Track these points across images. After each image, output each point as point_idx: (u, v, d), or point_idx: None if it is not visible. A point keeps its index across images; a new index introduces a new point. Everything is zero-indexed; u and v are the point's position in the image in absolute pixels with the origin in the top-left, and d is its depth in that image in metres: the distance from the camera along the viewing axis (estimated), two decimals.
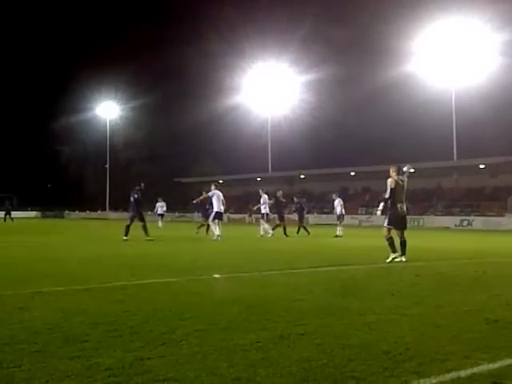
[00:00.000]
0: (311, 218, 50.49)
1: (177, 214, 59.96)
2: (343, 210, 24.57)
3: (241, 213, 52.98)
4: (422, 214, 44.40)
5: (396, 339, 4.61)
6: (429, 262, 10.90)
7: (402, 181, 11.38)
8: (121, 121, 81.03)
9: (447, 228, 39.32)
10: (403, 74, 52.32)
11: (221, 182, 67.37)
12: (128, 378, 3.52)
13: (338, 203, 24.41)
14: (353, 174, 57.62)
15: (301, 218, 25.28)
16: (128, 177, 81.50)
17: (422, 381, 3.49)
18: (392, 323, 5.29)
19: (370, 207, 52.76)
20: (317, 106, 63.20)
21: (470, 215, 43.06)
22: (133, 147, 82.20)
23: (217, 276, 8.97)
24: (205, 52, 72.21)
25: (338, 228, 23.85)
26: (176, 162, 76.19)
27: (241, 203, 56.77)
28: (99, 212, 73.90)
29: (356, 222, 47.56)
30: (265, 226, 23.35)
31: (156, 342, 4.47)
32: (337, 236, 23.16)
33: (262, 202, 24.04)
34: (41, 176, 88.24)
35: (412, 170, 12.21)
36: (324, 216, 49.20)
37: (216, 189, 20.65)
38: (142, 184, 19.86)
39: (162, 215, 34.34)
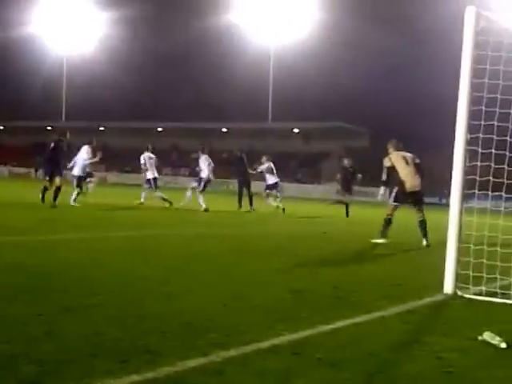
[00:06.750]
0: (110, 177, 49.44)
1: None
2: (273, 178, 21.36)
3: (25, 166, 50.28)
4: (228, 178, 45.77)
5: (197, 310, 4.74)
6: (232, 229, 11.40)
7: (404, 156, 11.07)
8: None
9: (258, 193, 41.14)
10: (223, 26, 53.13)
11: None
12: None
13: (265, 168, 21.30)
14: (160, 129, 57.50)
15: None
16: None
17: (221, 353, 3.62)
18: (193, 293, 5.43)
19: (176, 167, 53.22)
20: (122, 50, 61.51)
21: (282, 181, 45.42)
22: None
23: None
24: None
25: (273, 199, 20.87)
26: None
27: (26, 156, 53.74)
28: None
29: (161, 183, 47.72)
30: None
31: None
32: (278, 208, 20.13)
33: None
34: None
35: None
36: (125, 175, 48.59)
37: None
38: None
39: None
